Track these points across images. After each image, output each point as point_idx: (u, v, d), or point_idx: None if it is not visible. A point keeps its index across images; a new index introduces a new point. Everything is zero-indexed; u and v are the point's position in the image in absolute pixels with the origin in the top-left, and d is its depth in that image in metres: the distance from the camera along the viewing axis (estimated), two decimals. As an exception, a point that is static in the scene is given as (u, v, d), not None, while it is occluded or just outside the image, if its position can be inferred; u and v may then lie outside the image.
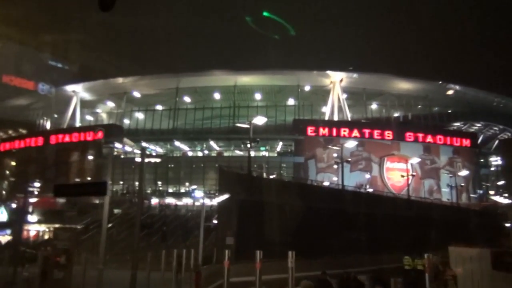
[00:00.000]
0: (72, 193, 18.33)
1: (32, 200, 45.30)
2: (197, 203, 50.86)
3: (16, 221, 43.29)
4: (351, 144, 41.87)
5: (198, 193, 52.46)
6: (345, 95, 54.29)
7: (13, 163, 58.57)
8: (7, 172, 58.87)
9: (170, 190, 54.92)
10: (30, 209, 43.55)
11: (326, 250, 20.67)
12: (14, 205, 48.04)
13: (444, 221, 31.81)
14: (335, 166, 52.13)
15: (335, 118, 53.74)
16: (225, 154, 54.86)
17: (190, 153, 57.04)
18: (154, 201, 52.87)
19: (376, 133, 51.25)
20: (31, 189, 45.54)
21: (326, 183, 43.91)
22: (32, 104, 60.67)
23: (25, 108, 61.10)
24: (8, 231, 42.79)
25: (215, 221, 20.03)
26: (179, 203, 50.88)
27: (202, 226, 18.93)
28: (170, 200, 52.20)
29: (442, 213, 35.44)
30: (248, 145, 44.19)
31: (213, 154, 55.57)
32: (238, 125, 32.83)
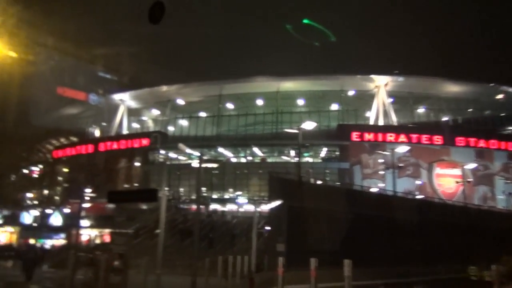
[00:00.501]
0: (124, 199, 18.77)
1: (84, 205, 47.05)
2: (241, 209, 51.31)
3: (70, 226, 45.11)
4: (403, 149, 40.63)
5: (242, 199, 52.97)
6: (390, 99, 53.01)
7: (65, 170, 60.97)
8: (60, 178, 61.34)
9: (214, 196, 55.47)
10: (83, 214, 45.16)
11: (379, 258, 20.07)
12: (67, 210, 50.09)
13: (500, 230, 30.27)
14: (382, 172, 51.14)
15: (381, 123, 52.54)
16: (269, 160, 54.83)
17: (233, 160, 57.39)
18: (200, 207, 53.58)
19: (424, 138, 49.62)
20: (83, 195, 47.34)
21: (375, 189, 42.72)
22: (82, 113, 63.12)
23: (75, 117, 63.67)
24: (63, 235, 44.69)
25: (267, 228, 19.84)
26: (224, 209, 51.24)
27: (255, 232, 18.85)
28: (214, 206, 52.71)
29: (498, 221, 33.73)
30: (292, 152, 44.07)
31: (257, 160, 55.63)
32: (287, 130, 32.66)
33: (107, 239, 44.56)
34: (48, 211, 50.49)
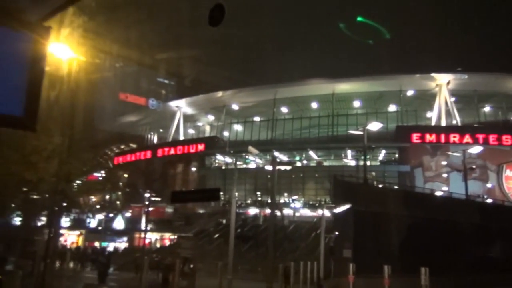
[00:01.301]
0: (187, 199, 18.84)
1: (145, 209, 48.34)
2: (297, 214, 50.73)
3: (132, 229, 46.50)
4: (476, 149, 38.33)
5: (298, 204, 52.38)
6: (453, 98, 50.40)
7: (125, 175, 63.12)
8: (121, 184, 63.62)
9: (270, 201, 55.29)
10: (143, 218, 46.34)
11: (452, 266, 18.84)
12: (128, 214, 51.76)
13: None
14: (445, 175, 48.71)
15: (443, 123, 50.08)
16: (325, 163, 53.89)
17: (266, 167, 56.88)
18: (254, 211, 53.57)
19: (491, 138, 46.61)
20: (143, 199, 48.66)
21: (442, 193, 40.53)
22: (140, 120, 65.21)
23: (134, 124, 65.90)
24: (125, 238, 46.12)
25: (335, 233, 19.26)
26: (279, 213, 50.83)
27: (323, 237, 18.28)
28: (269, 211, 52.47)
29: None
30: (348, 154, 42.65)
31: (312, 164, 54.84)
32: (351, 132, 31.75)
33: (167, 242, 45.51)
34: (110, 215, 52.39)
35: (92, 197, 62.27)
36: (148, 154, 60.82)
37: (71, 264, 19.52)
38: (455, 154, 37.19)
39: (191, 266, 16.74)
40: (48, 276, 10.59)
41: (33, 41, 2.53)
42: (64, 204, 21.37)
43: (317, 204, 52.63)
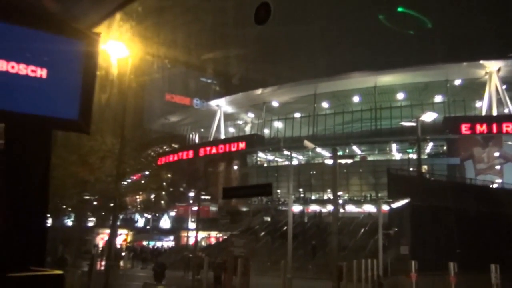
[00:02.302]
0: (239, 195, 18.76)
1: (190, 208, 48.94)
2: (341, 210, 49.77)
3: (178, 228, 47.12)
4: None
5: (343, 200, 51.40)
6: (504, 86, 47.90)
7: (169, 175, 64.13)
8: (164, 183, 64.69)
9: (313, 197, 54.63)
10: (189, 217, 46.88)
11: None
12: (173, 214, 52.51)
13: None
14: (498, 167, 46.45)
15: (494, 112, 47.72)
16: (369, 158, 52.66)
17: (326, 160, 56.02)
18: (298, 208, 53.03)
19: (548, 126, 44.06)
20: (187, 199, 49.26)
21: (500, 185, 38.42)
22: (181, 120, 66.05)
23: (175, 124, 66.85)
24: (171, 237, 46.81)
25: (391, 230, 18.58)
26: (324, 210, 50.12)
27: (381, 234, 17.66)
28: (313, 208, 51.81)
29: None
30: (393, 148, 41.15)
31: (356, 159, 53.65)
32: (403, 124, 30.78)
33: (213, 241, 45.84)
34: (156, 214, 53.31)
35: (137, 197, 63.79)
36: (190, 153, 61.49)
37: (127, 263, 19.83)
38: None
39: (245, 264, 16.49)
40: (108, 274, 10.65)
41: (84, 47, 2.62)
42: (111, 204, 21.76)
43: (362, 200, 51.56)
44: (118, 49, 10.33)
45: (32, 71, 2.43)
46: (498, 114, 47.34)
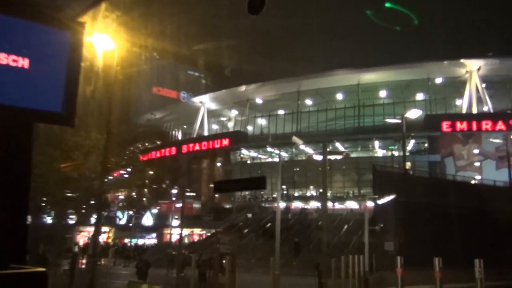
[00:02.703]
0: (232, 188, 18.51)
1: (172, 205, 48.55)
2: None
3: (160, 226, 46.65)
4: None
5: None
6: (484, 85, 48.79)
7: (151, 172, 63.45)
8: (147, 181, 63.95)
9: (296, 194, 54.80)
10: (172, 214, 46.48)
11: (504, 259, 17.98)
12: (155, 211, 52.00)
13: None
14: (477, 164, 47.35)
15: (474, 110, 48.56)
16: (352, 155, 53.05)
17: (315, 157, 56.26)
18: (281, 205, 53.13)
19: (526, 124, 44.94)
20: (170, 196, 48.84)
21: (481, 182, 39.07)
22: (164, 116, 65.34)
23: (158, 121, 66.10)
24: (154, 235, 46.34)
25: (377, 226, 18.69)
26: (307, 206, 50.36)
27: (367, 230, 17.75)
28: (296, 204, 51.98)
29: None
30: (376, 145, 41.37)
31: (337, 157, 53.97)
32: (388, 120, 31.01)
33: (196, 238, 45.56)
34: (138, 212, 52.73)
35: (119, 194, 63.02)
36: (173, 150, 60.90)
37: (110, 262, 19.48)
38: (496, 140, 35.65)
39: (231, 262, 16.35)
40: (94, 273, 10.39)
41: (69, 37, 2.55)
42: (92, 202, 21.35)
43: (344, 197, 51.92)
44: (104, 40, 10.04)
45: (14, 61, 2.35)
46: (478, 112, 48.18)
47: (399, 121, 25.61)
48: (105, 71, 12.23)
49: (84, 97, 11.35)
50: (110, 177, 25.08)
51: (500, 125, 45.07)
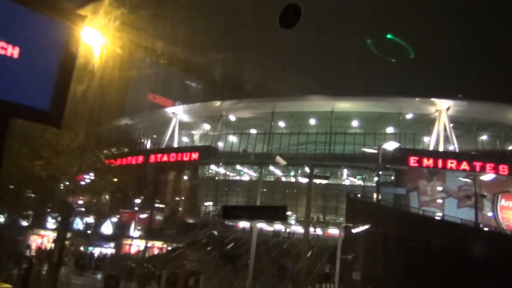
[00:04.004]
0: (244, 216, 16.84)
1: (133, 216, 47.05)
2: (288, 230, 49.80)
3: (120, 236, 44.94)
4: (488, 176, 38.13)
5: (290, 219, 51.54)
6: (452, 125, 50.48)
7: (115, 179, 61.57)
8: (110, 188, 61.95)
9: (261, 215, 54.41)
10: (133, 225, 45.02)
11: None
12: (115, 220, 50.15)
13: None
14: (440, 201, 48.51)
15: (441, 148, 50.03)
16: (318, 181, 53.22)
17: (283, 178, 56.34)
18: (245, 225, 52.45)
19: (488, 167, 46.38)
20: (133, 205, 47.39)
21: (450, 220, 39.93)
22: (134, 124, 63.94)
23: (128, 127, 64.59)
24: (112, 244, 44.59)
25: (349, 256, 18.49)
26: (269, 228, 49.88)
27: (339, 258, 17.50)
28: (260, 225, 51.50)
29: None
30: (344, 173, 41.35)
31: (304, 180, 54.15)
32: (365, 149, 31.34)
33: (156, 251, 44.15)
34: (98, 219, 50.74)
35: (78, 199, 60.63)
36: (140, 159, 59.45)
37: (70, 270, 18.28)
38: (465, 180, 36.69)
39: (196, 279, 15.76)
40: (56, 283, 9.64)
41: (67, 29, 2.31)
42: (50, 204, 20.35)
43: (310, 222, 51.92)
44: (101, 37, 9.51)
45: (2, 48, 2.08)
46: (444, 151, 49.64)
47: (375, 151, 25.83)
48: (99, 69, 11.57)
49: (70, 95, 10.64)
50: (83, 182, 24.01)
51: (464, 165, 46.56)
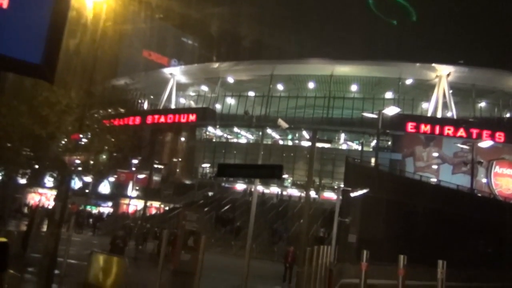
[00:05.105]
0: (238, 174, 17.25)
1: (131, 176, 47.34)
2: (284, 193, 50.43)
3: (117, 195, 45.36)
4: (486, 143, 38.24)
5: (287, 182, 52.14)
6: (451, 91, 50.21)
7: (112, 139, 61.48)
8: (106, 147, 61.97)
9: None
10: (131, 185, 45.36)
11: (462, 259, 18.63)
12: (113, 180, 50.47)
13: None
14: (435, 167, 48.95)
15: (439, 115, 49.98)
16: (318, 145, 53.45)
17: (280, 142, 56.47)
18: (242, 186, 52.98)
19: (485, 134, 46.58)
20: (130, 166, 47.58)
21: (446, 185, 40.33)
22: (132, 84, 63.10)
23: (124, 87, 63.77)
24: (110, 203, 45.10)
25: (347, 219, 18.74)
26: (266, 191, 50.43)
27: (336, 221, 17.79)
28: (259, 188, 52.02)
29: None
30: (341, 138, 41.36)
31: (304, 144, 54.33)
32: (365, 114, 31.18)
33: (153, 211, 44.75)
34: (96, 179, 51.04)
35: (76, 158, 60.72)
36: (138, 120, 59.12)
37: (72, 228, 18.44)
38: (462, 146, 36.85)
39: (196, 240, 15.96)
40: (58, 239, 9.76)
41: None
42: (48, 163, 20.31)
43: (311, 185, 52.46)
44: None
45: None
46: (442, 117, 49.61)
47: (375, 116, 25.74)
48: (93, 23, 11.15)
49: (64, 50, 10.33)
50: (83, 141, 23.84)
51: (461, 132, 46.69)
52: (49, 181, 43.50)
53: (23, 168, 18.93)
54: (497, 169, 47.33)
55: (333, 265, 16.07)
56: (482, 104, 52.73)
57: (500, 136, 46.56)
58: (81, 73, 12.09)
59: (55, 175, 28.59)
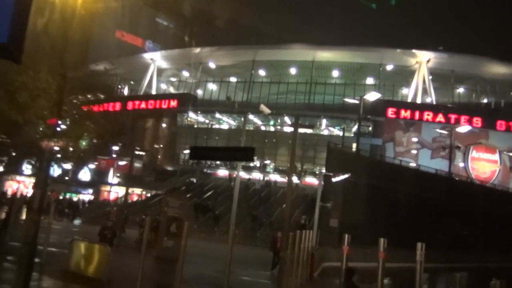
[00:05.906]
0: (210, 157, 17.40)
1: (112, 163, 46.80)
2: (266, 178, 50.64)
3: (98, 182, 44.85)
4: (464, 128, 38.89)
5: (269, 168, 52.36)
6: (430, 77, 50.87)
7: (93, 126, 60.52)
8: (86, 134, 61.02)
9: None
10: (112, 172, 44.87)
11: (429, 242, 19.07)
12: (93, 166, 49.75)
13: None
14: (414, 152, 49.77)
15: (418, 101, 50.64)
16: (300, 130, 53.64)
17: (263, 127, 56.47)
18: (224, 172, 52.95)
19: (463, 119, 47.43)
20: (111, 152, 46.99)
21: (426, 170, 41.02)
22: (111, 70, 61.98)
23: (104, 73, 62.62)
24: (90, 191, 44.59)
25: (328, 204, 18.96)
26: (247, 176, 50.52)
27: (318, 206, 17.95)
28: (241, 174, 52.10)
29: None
30: (323, 124, 41.50)
31: (286, 129, 54.49)
32: (347, 100, 31.34)
33: (135, 198, 44.44)
34: (76, 165, 50.31)
35: (54, 144, 59.60)
36: (118, 106, 58.21)
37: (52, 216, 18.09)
38: (442, 131, 37.48)
39: (178, 226, 15.94)
40: (38, 226, 9.60)
41: None
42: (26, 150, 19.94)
43: (287, 170, 52.77)
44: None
45: None
46: (422, 103, 50.29)
47: (357, 101, 25.91)
48: (63, 2, 10.69)
49: (35, 31, 9.94)
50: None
51: (440, 117, 47.50)
52: (27, 168, 42.74)
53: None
54: (474, 153, 48.40)
55: (315, 249, 16.30)
56: (461, 90, 53.65)
57: (477, 121, 47.48)
58: (53, 55, 11.68)
59: (33, 162, 28.10)
